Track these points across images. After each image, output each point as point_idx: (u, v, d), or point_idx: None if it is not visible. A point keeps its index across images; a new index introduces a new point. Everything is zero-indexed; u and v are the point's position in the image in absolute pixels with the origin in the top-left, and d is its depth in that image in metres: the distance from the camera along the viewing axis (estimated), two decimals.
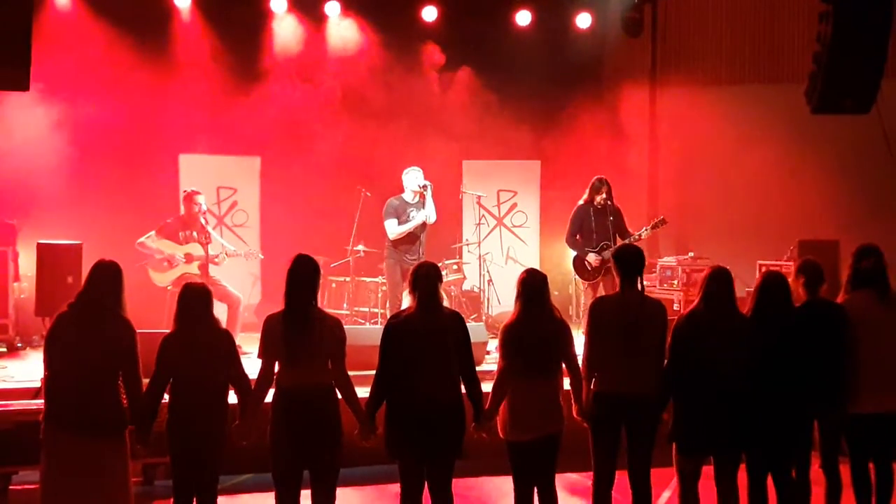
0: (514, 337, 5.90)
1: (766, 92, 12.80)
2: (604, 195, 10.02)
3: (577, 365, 6.01)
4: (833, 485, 6.38)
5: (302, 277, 5.71)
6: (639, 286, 6.13)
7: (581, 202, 10.17)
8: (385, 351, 5.78)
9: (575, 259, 10.24)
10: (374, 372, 5.84)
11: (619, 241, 9.86)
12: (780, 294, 6.04)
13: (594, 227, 10.02)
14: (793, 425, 5.97)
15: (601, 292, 9.86)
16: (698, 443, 5.92)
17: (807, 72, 8.81)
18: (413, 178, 10.08)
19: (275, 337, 5.67)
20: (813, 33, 8.76)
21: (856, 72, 8.39)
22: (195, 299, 5.77)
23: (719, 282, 5.99)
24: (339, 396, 5.77)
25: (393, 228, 10.02)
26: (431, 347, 5.69)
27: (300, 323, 5.64)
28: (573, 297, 12.25)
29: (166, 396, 5.76)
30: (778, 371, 5.88)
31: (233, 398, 5.86)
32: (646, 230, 10.11)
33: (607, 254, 9.81)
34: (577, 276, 10.50)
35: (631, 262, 6.17)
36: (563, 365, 6.01)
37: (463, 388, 5.83)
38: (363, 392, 5.84)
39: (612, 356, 5.98)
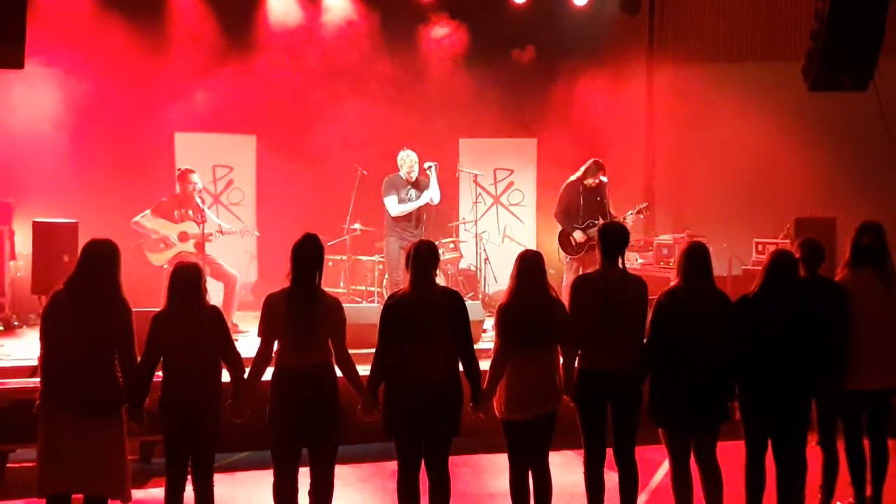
0: (509, 315, 5.91)
1: (764, 69, 12.78)
2: (597, 179, 10.12)
3: (571, 343, 6.02)
4: (830, 461, 6.42)
5: (310, 256, 5.72)
6: (620, 263, 6.13)
7: (572, 179, 10.29)
8: (381, 329, 5.79)
9: (560, 234, 10.39)
10: (370, 350, 5.86)
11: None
12: (789, 272, 6.04)
13: (582, 204, 10.17)
14: (793, 401, 5.99)
15: (580, 270, 10.01)
16: (676, 418, 5.94)
17: (804, 49, 8.80)
18: (407, 160, 10.07)
19: (276, 316, 5.67)
20: (811, 11, 8.75)
21: (853, 49, 8.39)
22: (185, 278, 5.75)
23: (695, 258, 5.99)
24: (339, 375, 5.78)
25: (394, 206, 10.01)
26: (425, 325, 5.70)
27: (304, 302, 5.65)
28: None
29: (160, 374, 5.77)
30: (781, 347, 5.90)
31: (227, 376, 5.87)
32: (630, 214, 10.19)
33: (593, 231, 10.04)
34: (559, 253, 10.55)
35: (614, 239, 6.16)
36: (558, 344, 6.02)
37: (461, 366, 5.85)
38: (362, 370, 5.86)
39: (595, 333, 5.98)
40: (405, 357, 5.69)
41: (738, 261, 11.19)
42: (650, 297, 6.15)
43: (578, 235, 10.18)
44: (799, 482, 6.13)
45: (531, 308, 5.90)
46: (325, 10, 12.74)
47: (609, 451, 6.09)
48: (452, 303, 5.85)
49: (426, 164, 10.10)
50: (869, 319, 6.28)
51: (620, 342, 5.96)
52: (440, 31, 12.85)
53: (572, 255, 10.28)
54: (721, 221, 12.23)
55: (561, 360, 6.04)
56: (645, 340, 6.05)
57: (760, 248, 11.07)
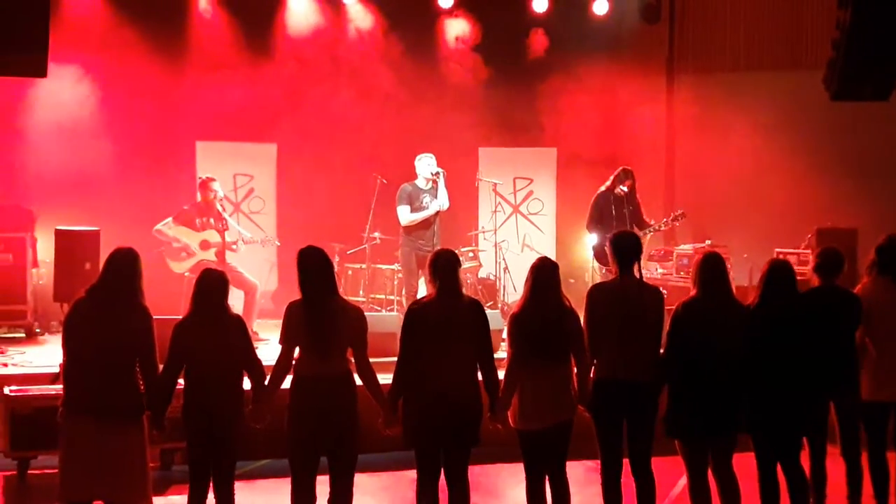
0: (521, 324, 5.91)
1: (785, 79, 12.72)
2: (626, 187, 10.06)
3: (585, 353, 6.00)
4: (854, 472, 6.38)
5: (311, 270, 5.72)
6: (636, 273, 6.11)
7: (602, 189, 10.22)
8: (405, 338, 5.80)
9: (596, 245, 10.21)
10: (389, 359, 5.87)
11: (637, 231, 9.90)
12: (784, 281, 6.02)
13: (614, 214, 10.05)
14: (795, 411, 5.95)
15: None
16: (693, 429, 5.91)
17: (826, 58, 8.76)
18: (425, 165, 10.07)
19: (296, 324, 5.69)
20: (832, 20, 8.71)
21: (875, 59, 8.32)
22: (211, 285, 5.78)
23: (712, 268, 5.98)
24: (358, 384, 5.78)
25: (405, 215, 10.01)
26: (450, 335, 5.70)
27: (320, 313, 5.65)
28: (590, 284, 12.21)
29: (182, 382, 5.79)
30: (781, 357, 5.87)
31: (248, 384, 5.89)
32: (665, 222, 10.11)
33: None
34: (593, 264, 10.48)
35: (628, 248, 6.15)
36: (572, 353, 6.00)
37: (480, 376, 5.84)
38: (382, 378, 5.86)
39: (610, 343, 5.97)
40: (428, 366, 5.69)
41: (759, 271, 11.10)
42: (668, 308, 6.14)
43: None
44: (814, 493, 6.13)
45: (544, 318, 5.88)
46: (345, 20, 12.78)
47: (626, 462, 6.07)
48: (476, 313, 5.85)
49: (433, 171, 10.07)
50: (888, 329, 6.25)
51: (637, 352, 5.95)
52: (459, 40, 12.88)
53: (608, 265, 10.13)
54: (742, 231, 12.18)
55: (575, 370, 6.03)
56: (662, 351, 6.03)
57: (781, 258, 11.01)
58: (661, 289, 6.74)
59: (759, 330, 5.88)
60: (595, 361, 6.03)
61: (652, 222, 10.23)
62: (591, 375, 6.04)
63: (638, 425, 6.02)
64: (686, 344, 5.89)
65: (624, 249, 6.14)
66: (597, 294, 6.16)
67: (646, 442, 6.04)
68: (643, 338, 5.98)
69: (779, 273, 6.06)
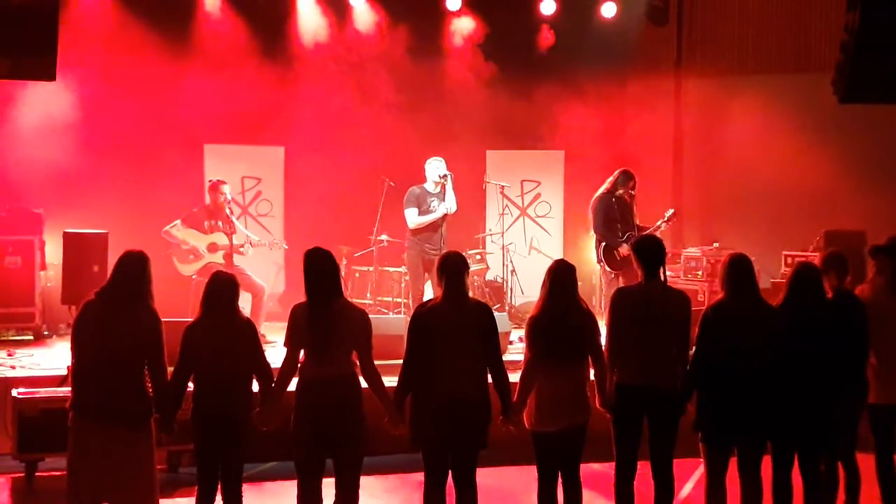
0: (540, 327, 5.90)
1: (793, 81, 12.70)
2: (628, 189, 9.95)
3: (603, 355, 6.00)
4: (852, 477, 6.36)
5: (317, 271, 5.72)
6: (661, 276, 6.10)
7: (602, 191, 10.08)
8: (411, 340, 5.80)
9: (604, 248, 10.10)
10: (395, 361, 5.86)
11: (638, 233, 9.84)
12: (814, 284, 5.99)
13: (619, 217, 9.96)
14: (820, 416, 5.94)
15: (621, 283, 9.84)
16: (723, 432, 5.90)
17: (834, 61, 8.75)
18: (434, 168, 10.07)
19: (300, 327, 5.69)
20: (840, 22, 8.70)
21: (883, 61, 8.31)
22: (222, 289, 5.79)
23: (740, 269, 5.96)
24: (363, 386, 5.78)
25: (413, 218, 10.01)
26: (457, 338, 5.69)
27: (323, 315, 5.65)
28: (597, 287, 12.21)
29: (191, 385, 5.80)
30: (808, 361, 5.85)
31: (256, 386, 5.89)
32: (661, 223, 10.05)
33: None
34: (599, 266, 10.43)
35: (653, 252, 6.14)
36: (589, 355, 6.00)
37: (490, 379, 5.84)
38: (388, 381, 5.86)
39: (634, 347, 5.96)
40: (435, 369, 5.68)
41: (767, 273, 11.11)
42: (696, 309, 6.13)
43: (624, 249, 9.80)
44: (827, 496, 6.11)
45: (562, 320, 5.88)
46: (354, 23, 12.79)
47: (640, 465, 6.06)
48: (483, 315, 5.84)
49: (441, 174, 10.06)
50: (892, 331, 6.24)
51: (659, 357, 5.93)
52: (467, 43, 12.88)
53: (617, 269, 9.97)
54: (749, 234, 12.16)
55: (592, 372, 6.02)
56: (691, 354, 6.01)
57: (790, 260, 11.01)
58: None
59: (783, 334, 5.86)
60: (618, 365, 6.02)
61: (658, 225, 10.12)
62: (614, 379, 6.02)
63: (659, 430, 6.01)
64: (716, 346, 5.87)
65: (649, 254, 6.13)
66: (620, 298, 6.16)
67: (667, 446, 6.02)
68: (666, 342, 5.97)
69: (805, 276, 6.02)
